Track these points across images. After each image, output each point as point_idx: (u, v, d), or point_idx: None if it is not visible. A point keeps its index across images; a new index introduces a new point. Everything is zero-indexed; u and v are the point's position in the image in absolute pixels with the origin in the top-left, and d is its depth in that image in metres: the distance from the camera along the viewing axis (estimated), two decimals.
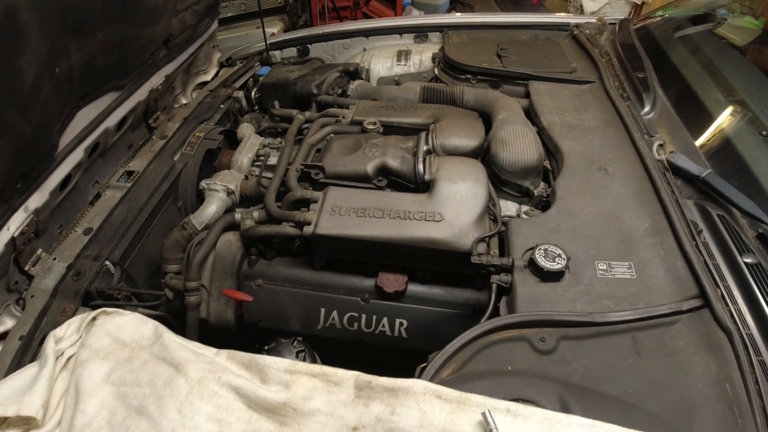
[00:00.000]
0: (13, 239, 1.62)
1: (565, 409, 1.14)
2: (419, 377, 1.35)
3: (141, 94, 2.28)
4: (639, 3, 5.93)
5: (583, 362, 1.28)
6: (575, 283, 1.45)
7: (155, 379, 1.26)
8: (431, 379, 1.24)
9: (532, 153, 1.85)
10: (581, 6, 6.11)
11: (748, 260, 1.43)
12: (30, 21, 1.41)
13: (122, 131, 2.23)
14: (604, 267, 1.49)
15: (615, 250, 1.54)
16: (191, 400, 1.20)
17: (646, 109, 2.11)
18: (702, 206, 1.63)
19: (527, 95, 2.37)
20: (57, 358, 1.34)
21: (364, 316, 1.73)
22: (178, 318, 1.84)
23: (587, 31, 2.86)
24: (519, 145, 1.87)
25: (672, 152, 1.83)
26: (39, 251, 1.81)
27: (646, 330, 1.34)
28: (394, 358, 1.81)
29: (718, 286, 1.39)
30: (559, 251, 1.48)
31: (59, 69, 1.63)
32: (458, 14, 3.29)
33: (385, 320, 1.72)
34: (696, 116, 2.03)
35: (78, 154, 1.90)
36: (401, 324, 1.72)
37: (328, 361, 1.53)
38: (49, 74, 1.58)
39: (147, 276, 2.05)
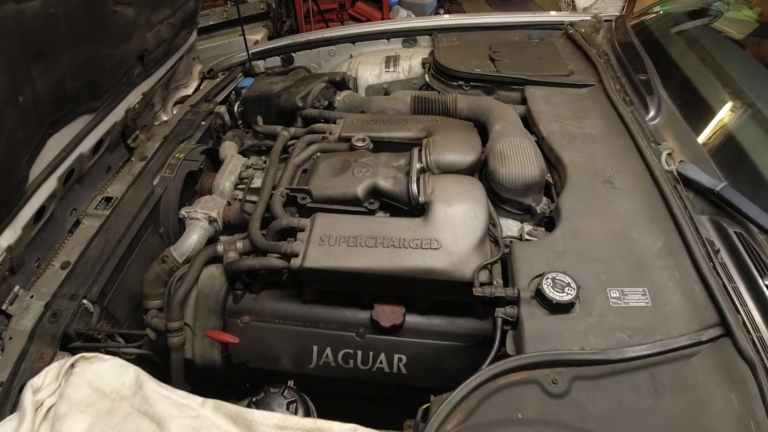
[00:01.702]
0: None
1: None
2: (421, 419, 1.28)
3: (117, 115, 2.17)
4: None
5: (599, 404, 1.18)
6: (586, 314, 1.35)
7: None
8: None
9: (534, 168, 1.74)
10: (573, 2, 5.99)
11: None
12: None
13: (99, 154, 2.13)
14: (617, 294, 1.38)
15: (627, 274, 1.44)
16: None
17: (651, 114, 2.00)
18: (717, 223, 1.53)
19: (523, 101, 2.26)
20: (36, 410, 1.28)
21: (360, 353, 1.62)
22: (163, 356, 1.73)
23: (582, 30, 2.76)
24: (519, 160, 1.76)
25: (681, 162, 1.73)
26: (16, 288, 1.72)
27: (665, 364, 1.25)
28: (394, 394, 1.71)
29: (738, 313, 1.30)
30: (568, 279, 1.37)
31: (23, 98, 1.53)
32: (447, 16, 3.17)
33: (382, 356, 1.62)
34: (704, 121, 1.93)
35: (51, 184, 1.80)
36: (400, 360, 1.61)
37: (323, 400, 1.46)
38: (11, 105, 1.48)
39: (129, 311, 1.94)
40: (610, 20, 2.85)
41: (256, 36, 4.46)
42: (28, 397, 1.27)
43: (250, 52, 3.01)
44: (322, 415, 1.35)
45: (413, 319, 1.63)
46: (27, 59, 1.52)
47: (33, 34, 1.51)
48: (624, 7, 5.86)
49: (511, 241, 1.66)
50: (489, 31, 2.97)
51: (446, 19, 3.11)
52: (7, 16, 1.38)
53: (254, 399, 1.37)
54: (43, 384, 1.33)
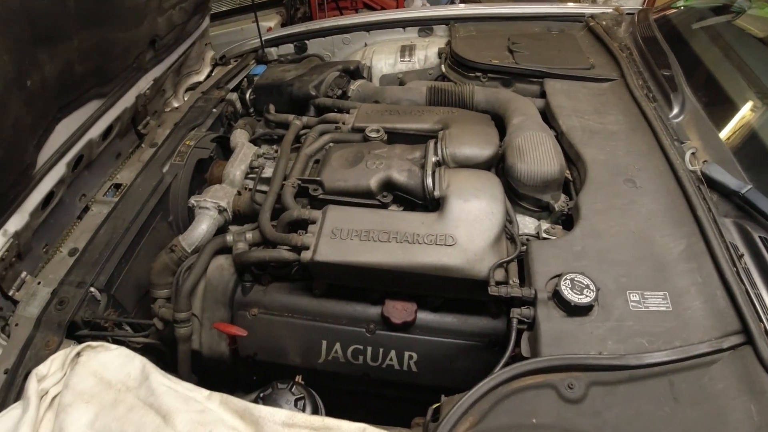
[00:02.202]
0: None
1: None
2: (431, 419, 1.24)
3: (127, 101, 2.15)
4: None
5: (616, 412, 1.15)
6: (605, 318, 1.30)
7: (141, 430, 1.18)
8: None
9: (553, 164, 1.69)
10: None
11: None
12: None
13: (108, 140, 2.11)
14: (637, 298, 1.34)
15: (647, 277, 1.39)
16: None
17: (675, 111, 1.94)
18: (742, 226, 1.48)
19: (542, 95, 2.21)
20: (41, 398, 1.28)
21: (369, 349, 1.59)
22: (170, 346, 1.71)
23: (604, 23, 2.69)
24: (538, 155, 1.70)
25: (705, 162, 1.67)
26: (23, 274, 1.72)
27: (684, 372, 1.21)
28: (404, 392, 1.67)
29: (761, 320, 1.25)
30: (587, 281, 1.33)
31: (30, 82, 1.51)
32: (463, 6, 3.11)
33: (393, 353, 1.58)
34: (729, 120, 1.87)
35: (60, 170, 1.79)
36: (411, 357, 1.58)
37: (332, 396, 1.44)
38: (18, 89, 1.46)
39: (136, 299, 1.93)
40: (632, 13, 2.78)
41: (269, 23, 4.41)
42: (32, 386, 1.27)
43: (263, 39, 2.96)
44: (330, 412, 1.33)
45: (425, 317, 1.60)
46: (34, 42, 1.50)
47: (40, 16, 1.49)
48: (645, 1, 5.75)
49: (528, 240, 1.62)
50: (507, 21, 2.91)
51: (463, 9, 3.05)
52: None
53: (261, 394, 1.34)
54: (48, 372, 1.32)
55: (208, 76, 2.89)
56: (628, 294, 1.35)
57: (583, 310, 1.30)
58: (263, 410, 1.19)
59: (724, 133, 1.79)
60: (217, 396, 1.25)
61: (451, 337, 1.58)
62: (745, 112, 1.88)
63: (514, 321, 1.34)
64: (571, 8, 2.97)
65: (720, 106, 1.93)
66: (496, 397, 1.17)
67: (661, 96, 2.02)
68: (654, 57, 2.23)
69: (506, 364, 1.25)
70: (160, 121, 2.47)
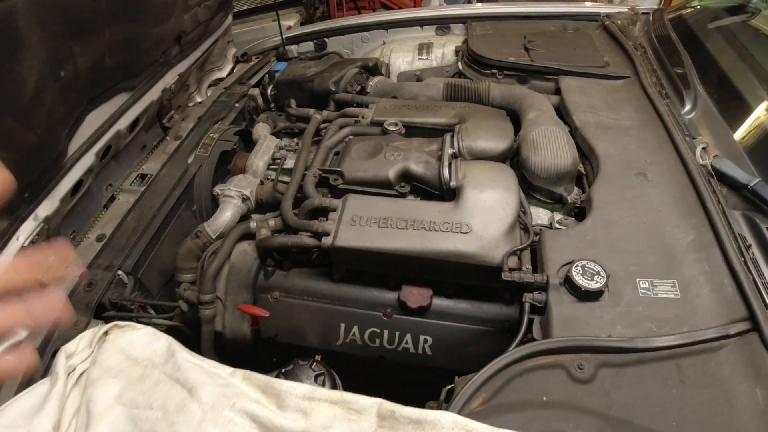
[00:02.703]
0: (23, 249, 1.56)
1: None
2: (445, 400, 1.28)
3: (153, 94, 2.22)
4: None
5: (624, 392, 1.18)
6: (615, 304, 1.34)
7: (167, 403, 1.21)
8: (460, 411, 1.15)
9: (566, 157, 1.74)
10: None
11: None
12: (29, 25, 1.35)
13: (135, 132, 2.18)
14: (646, 285, 1.38)
15: (657, 266, 1.43)
16: (205, 427, 1.14)
17: (687, 108, 1.97)
18: (750, 218, 1.51)
19: (557, 91, 2.24)
20: (69, 374, 1.30)
21: (386, 333, 1.64)
22: (194, 328, 1.78)
23: (619, 22, 2.72)
24: (552, 148, 1.75)
25: (716, 156, 1.70)
26: (51, 259, 1.75)
27: (691, 356, 1.24)
28: (418, 376, 1.72)
29: (767, 308, 1.28)
30: (597, 268, 1.37)
31: (64, 73, 1.58)
32: (480, 5, 3.16)
33: (408, 337, 1.63)
34: (740, 116, 1.90)
35: (89, 159, 1.85)
36: (426, 341, 1.63)
37: (348, 378, 1.48)
38: (53, 79, 1.53)
39: (161, 284, 1.99)
40: (648, 13, 2.80)
41: (289, 21, 4.49)
42: (61, 362, 1.29)
43: (284, 36, 3.03)
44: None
45: (440, 302, 1.64)
46: (69, 35, 1.56)
47: (75, 10, 1.55)
48: (661, 1, 5.75)
49: (540, 229, 1.66)
50: (524, 20, 2.95)
51: (480, 8, 3.09)
52: None
53: (283, 370, 1.39)
54: (76, 350, 1.35)
55: (230, 72, 2.96)
56: (638, 281, 1.39)
57: (593, 296, 1.34)
58: (285, 384, 1.22)
59: (735, 130, 1.83)
60: (240, 372, 1.28)
61: (465, 323, 1.63)
62: (757, 109, 1.91)
63: (527, 305, 1.39)
64: (586, 7, 3.00)
65: (732, 104, 1.96)
66: (507, 376, 1.21)
67: (674, 93, 2.06)
68: (667, 55, 2.26)
69: (518, 346, 1.29)
70: (184, 115, 2.54)
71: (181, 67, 2.40)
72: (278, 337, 1.72)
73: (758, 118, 1.87)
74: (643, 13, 2.83)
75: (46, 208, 1.65)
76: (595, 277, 1.35)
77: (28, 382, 1.41)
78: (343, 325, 1.67)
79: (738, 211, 1.55)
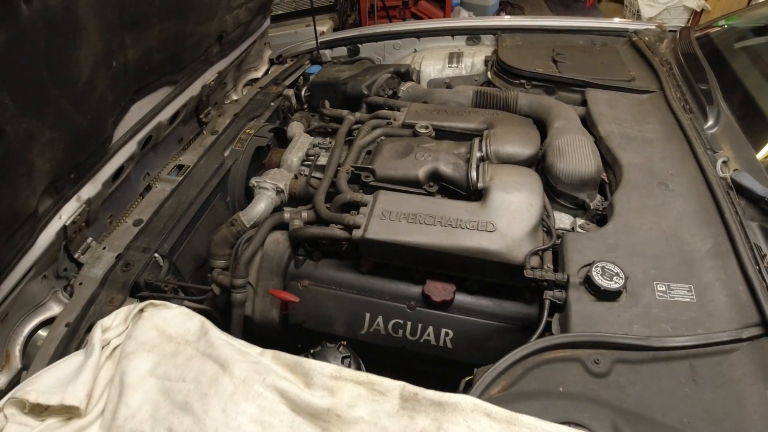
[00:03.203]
0: (64, 227, 1.66)
1: None
2: (464, 390, 1.33)
3: (194, 90, 2.32)
4: (698, 10, 5.73)
5: (638, 388, 1.23)
6: (632, 304, 1.40)
7: (200, 376, 1.26)
8: (480, 396, 1.21)
9: (590, 164, 1.79)
10: (638, 11, 5.93)
11: None
12: (88, 15, 1.44)
13: (174, 125, 2.27)
14: (663, 289, 1.43)
15: (675, 271, 1.48)
16: (236, 400, 1.20)
17: (710, 123, 2.02)
18: (766, 229, 1.56)
19: (584, 103, 2.30)
20: (103, 348, 1.35)
21: (409, 324, 1.71)
22: (223, 313, 1.85)
23: (646, 38, 2.77)
24: (576, 156, 1.81)
25: (736, 170, 1.75)
26: (89, 240, 1.85)
27: (704, 357, 1.29)
28: (438, 368, 1.78)
29: None
30: (617, 270, 1.43)
31: (116, 63, 1.67)
32: (508, 17, 3.23)
33: (430, 329, 1.69)
34: (761, 133, 1.94)
35: (131, 147, 1.94)
36: (447, 334, 1.69)
37: (370, 367, 1.52)
38: (105, 68, 1.61)
39: (193, 270, 2.07)
40: (675, 31, 2.84)
41: (322, 27, 4.60)
42: (97, 335, 1.35)
43: (318, 41, 3.12)
44: None
45: (462, 298, 1.70)
46: (123, 27, 1.65)
47: (130, 4, 1.64)
48: (690, 19, 5.77)
49: (563, 233, 1.72)
50: (553, 34, 3.00)
51: (511, 20, 3.17)
52: None
53: (312, 351, 1.46)
54: (112, 325, 1.40)
55: (265, 73, 3.06)
56: (656, 284, 1.44)
57: (611, 296, 1.40)
58: (313, 363, 1.26)
59: (755, 145, 1.86)
60: (269, 352, 1.33)
61: (486, 318, 1.68)
62: None
63: (547, 302, 1.45)
64: (615, 23, 3.05)
65: (753, 120, 1.99)
66: (526, 366, 1.27)
67: (698, 108, 2.10)
68: (693, 72, 2.30)
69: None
70: (221, 111, 2.64)
71: (221, 65, 2.50)
72: (305, 324, 1.79)
73: None
74: (670, 31, 2.87)
75: (89, 190, 1.74)
76: (614, 278, 1.41)
77: (62, 353, 1.49)
78: (368, 315, 1.73)
79: (755, 222, 1.60)
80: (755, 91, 2.15)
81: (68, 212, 1.67)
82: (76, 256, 1.79)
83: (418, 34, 3.18)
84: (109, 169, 1.84)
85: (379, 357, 1.77)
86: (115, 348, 1.38)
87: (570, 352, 1.30)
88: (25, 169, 1.38)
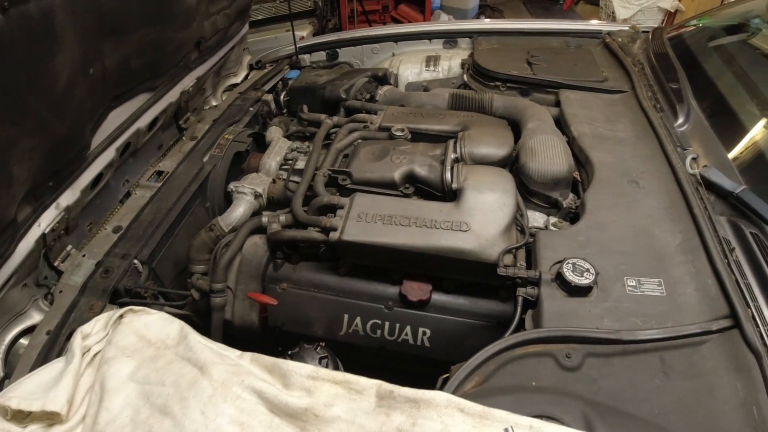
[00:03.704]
0: (43, 235, 1.65)
1: (590, 428, 1.12)
2: (441, 388, 1.34)
3: (172, 96, 2.32)
4: (672, 11, 5.82)
5: (609, 381, 1.26)
6: (603, 299, 1.43)
7: (179, 380, 1.27)
8: (454, 392, 1.23)
9: (562, 164, 1.83)
10: (613, 13, 6.03)
11: None
12: (66, 23, 1.44)
13: (153, 131, 2.27)
14: (634, 283, 1.46)
15: (645, 266, 1.51)
16: (214, 402, 1.21)
17: (680, 121, 2.07)
18: (735, 223, 1.59)
19: (557, 104, 2.34)
20: (83, 354, 1.35)
21: (387, 324, 1.73)
22: (203, 318, 1.86)
23: (619, 39, 2.82)
24: (548, 156, 1.84)
25: (705, 166, 1.79)
26: (69, 247, 1.84)
27: (675, 350, 1.31)
28: (416, 366, 1.80)
29: (748, 307, 1.35)
30: (587, 266, 1.46)
31: (93, 70, 1.67)
32: (488, 20, 3.27)
33: (408, 329, 1.72)
34: (730, 130, 1.99)
35: (110, 154, 1.93)
36: (424, 333, 1.71)
37: (350, 367, 1.53)
38: (83, 75, 1.61)
39: (173, 275, 2.07)
40: (648, 32, 2.90)
41: (302, 32, 4.61)
42: (77, 342, 1.35)
43: (297, 46, 3.14)
44: None
45: (439, 297, 1.73)
46: (101, 34, 1.65)
47: (108, 11, 1.64)
48: (664, 20, 5.86)
49: (536, 231, 1.75)
50: (528, 36, 3.05)
51: (487, 23, 3.21)
52: None
53: (289, 352, 1.47)
54: (92, 331, 1.40)
55: (245, 78, 3.07)
56: (626, 279, 1.47)
57: (582, 291, 1.43)
58: (291, 364, 1.28)
59: (724, 142, 1.91)
60: (248, 355, 1.34)
61: (462, 317, 1.71)
62: (746, 123, 1.99)
63: (520, 299, 1.48)
64: (589, 25, 3.11)
65: (723, 118, 2.04)
66: (499, 362, 1.29)
67: (668, 106, 2.15)
68: (664, 71, 2.35)
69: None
70: (200, 117, 2.64)
71: (200, 71, 2.51)
72: (285, 326, 1.80)
73: (747, 131, 1.95)
74: (643, 32, 2.93)
75: (68, 197, 1.73)
76: (585, 273, 1.44)
77: (43, 360, 1.48)
78: (346, 316, 1.75)
79: (724, 217, 1.64)
80: (725, 89, 2.20)
81: (47, 220, 1.67)
82: (56, 263, 1.78)
83: (396, 38, 3.22)
84: (88, 176, 1.83)
85: (359, 357, 1.79)
86: (95, 354, 1.38)
87: (542, 347, 1.32)
88: (4, 176, 1.38)
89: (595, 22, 3.25)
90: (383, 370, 1.87)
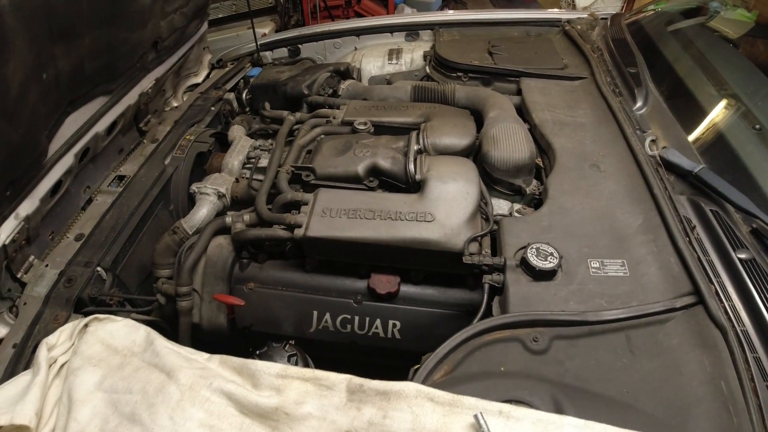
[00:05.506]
0: (4, 247, 1.61)
1: (559, 409, 1.14)
2: (412, 379, 1.35)
3: (131, 98, 2.27)
4: None
5: (577, 362, 1.27)
6: (568, 282, 1.44)
7: (147, 386, 1.26)
8: (423, 382, 1.23)
9: (524, 151, 1.84)
10: (573, 2, 6.09)
11: (742, 256, 1.42)
12: (15, 28, 1.40)
13: (112, 136, 2.22)
14: (597, 265, 1.48)
15: (608, 248, 1.53)
16: (183, 406, 1.20)
17: (639, 104, 2.10)
18: (695, 202, 1.62)
19: (519, 92, 2.36)
20: (50, 366, 1.34)
21: (357, 318, 1.72)
22: (171, 323, 1.83)
23: (579, 27, 2.86)
24: (510, 143, 1.86)
25: (665, 148, 1.82)
26: (31, 258, 1.80)
27: (640, 328, 1.33)
28: (388, 359, 1.80)
29: (712, 283, 1.38)
30: (551, 250, 1.47)
31: (46, 75, 1.63)
32: (450, 12, 3.28)
33: (378, 322, 1.72)
34: (688, 111, 2.02)
35: (68, 160, 1.89)
36: (394, 325, 1.71)
37: (322, 363, 1.52)
38: (35, 81, 1.57)
39: (139, 281, 2.04)
40: (607, 18, 2.94)
41: (264, 29, 4.57)
42: (42, 354, 1.33)
43: (259, 43, 3.11)
44: None
45: (407, 289, 1.73)
46: (52, 38, 1.60)
47: (58, 14, 1.59)
48: (623, 6, 5.95)
49: (500, 218, 1.76)
50: (489, 26, 3.06)
51: (448, 15, 3.22)
52: None
53: (258, 352, 1.46)
54: (57, 342, 1.38)
55: (206, 78, 3.02)
56: (590, 261, 1.49)
57: (547, 275, 1.44)
58: (259, 364, 1.27)
59: (683, 123, 1.94)
60: (216, 357, 1.33)
61: (431, 307, 1.71)
62: (704, 104, 2.03)
63: (486, 286, 1.49)
64: (549, 14, 3.14)
65: (681, 100, 2.08)
66: (468, 349, 1.30)
67: (627, 91, 2.18)
68: (622, 56, 2.39)
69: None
70: (161, 119, 2.59)
71: (158, 72, 2.46)
72: (254, 327, 1.79)
73: (705, 112, 1.99)
74: (602, 19, 2.97)
75: (27, 207, 1.69)
76: (549, 258, 1.45)
77: (11, 374, 1.45)
78: (315, 313, 1.74)
79: (684, 196, 1.66)
80: (683, 71, 2.24)
81: (7, 231, 1.62)
82: (18, 275, 1.74)
83: (358, 32, 3.21)
84: (47, 184, 1.79)
85: (330, 353, 1.78)
86: (62, 365, 1.36)
87: (509, 332, 1.33)
88: None
89: (555, 10, 3.28)
90: (356, 365, 1.88)
